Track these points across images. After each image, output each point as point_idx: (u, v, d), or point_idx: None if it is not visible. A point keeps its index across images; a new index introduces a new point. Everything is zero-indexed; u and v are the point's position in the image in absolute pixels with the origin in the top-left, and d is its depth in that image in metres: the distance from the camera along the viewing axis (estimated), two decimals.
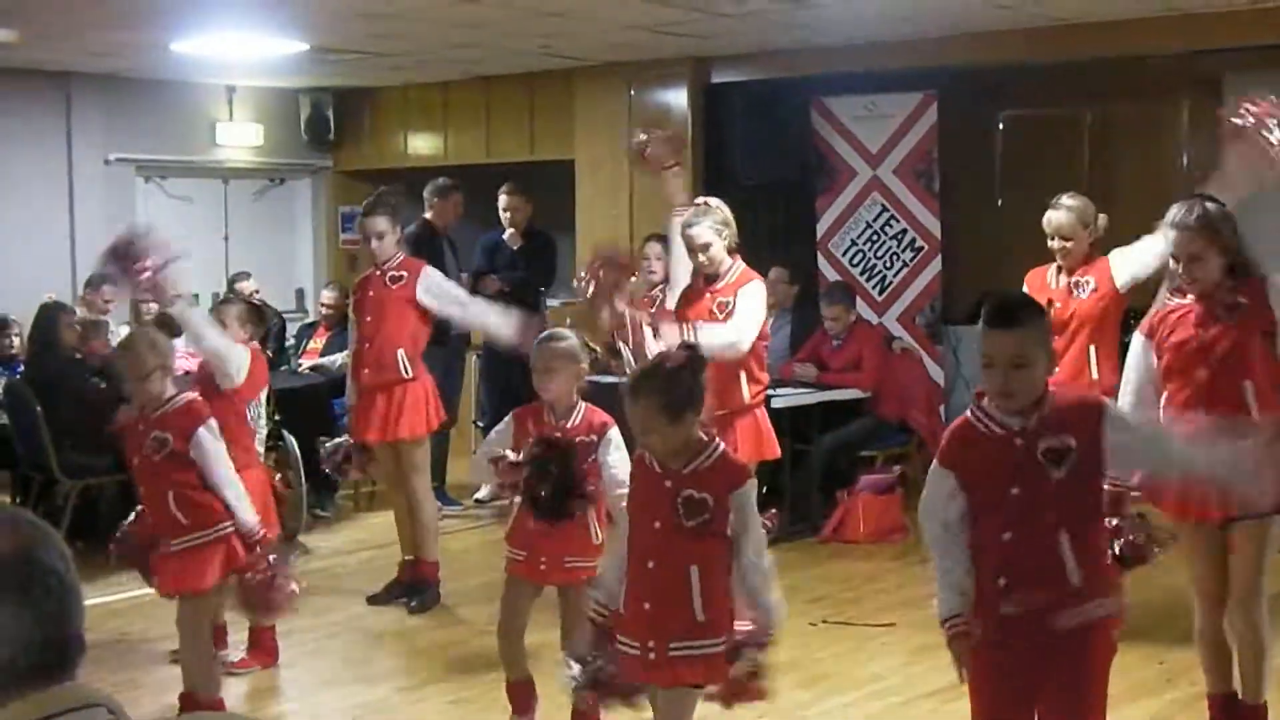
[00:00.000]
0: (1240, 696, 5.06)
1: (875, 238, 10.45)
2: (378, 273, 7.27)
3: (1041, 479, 3.60)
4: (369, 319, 7.25)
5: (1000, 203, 11.01)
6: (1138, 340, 5.06)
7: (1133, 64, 9.79)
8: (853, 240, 10.51)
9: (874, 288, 10.40)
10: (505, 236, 9.69)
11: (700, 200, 6.56)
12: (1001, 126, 10.98)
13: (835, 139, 10.51)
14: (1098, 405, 3.80)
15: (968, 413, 3.77)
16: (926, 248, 10.32)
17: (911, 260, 10.35)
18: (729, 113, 10.49)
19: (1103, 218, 6.40)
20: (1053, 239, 6.22)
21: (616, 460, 4.99)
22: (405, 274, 7.23)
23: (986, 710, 3.76)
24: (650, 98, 10.66)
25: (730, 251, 6.35)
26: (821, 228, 10.58)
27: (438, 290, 7.28)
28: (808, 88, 10.45)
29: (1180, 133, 10.58)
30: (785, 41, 9.60)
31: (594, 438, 5.04)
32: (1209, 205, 4.93)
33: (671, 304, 6.51)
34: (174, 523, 5.31)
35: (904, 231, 10.35)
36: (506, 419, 5.33)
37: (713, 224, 6.26)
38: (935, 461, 3.85)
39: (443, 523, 8.19)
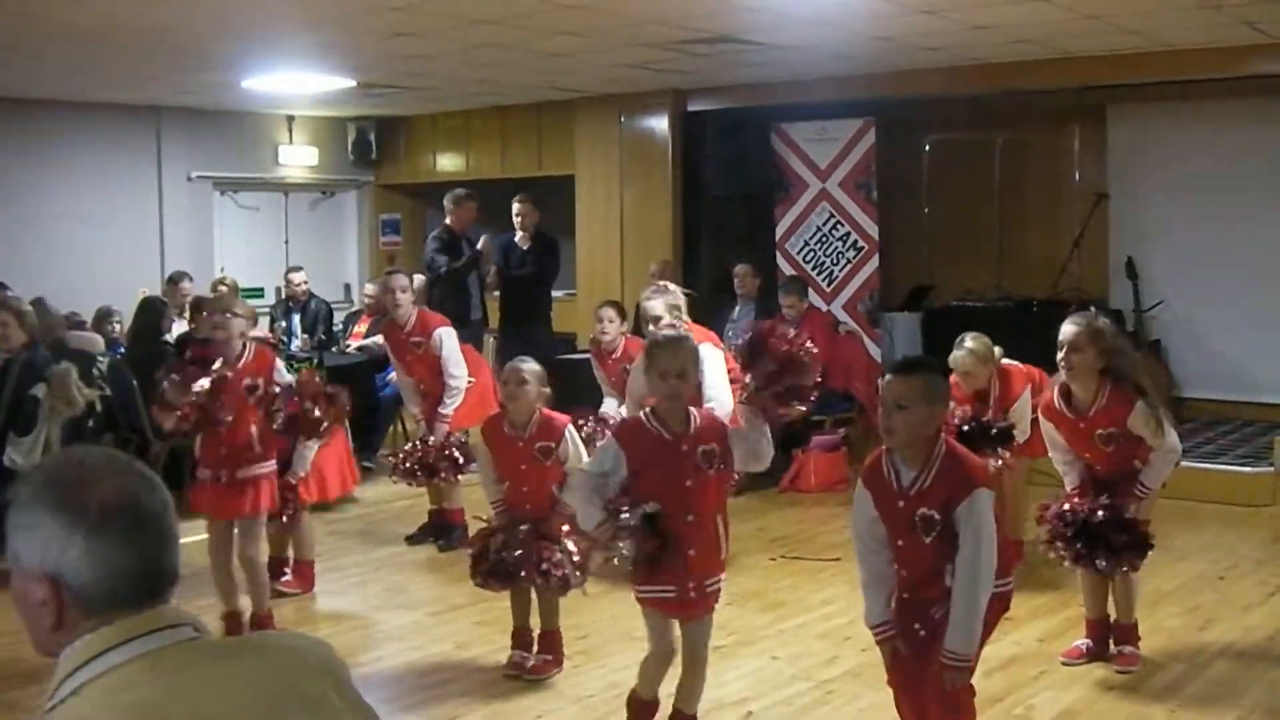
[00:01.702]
0: (1114, 618, 5.13)
1: (824, 239, 10.44)
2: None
3: (919, 540, 3.44)
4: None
5: (927, 211, 11.05)
6: None
7: (1035, 97, 9.81)
8: (805, 241, 10.50)
9: (823, 281, 10.39)
10: (517, 238, 9.67)
11: (662, 281, 6.48)
12: (928, 148, 10.98)
13: (791, 157, 10.49)
14: (969, 487, 3.37)
15: (882, 455, 3.53)
16: (866, 247, 10.31)
17: (854, 258, 10.34)
18: (703, 136, 10.50)
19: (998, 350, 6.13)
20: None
21: (573, 452, 4.94)
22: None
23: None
24: (637, 123, 10.65)
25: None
26: (779, 231, 10.57)
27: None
28: (768, 114, 10.43)
29: (1073, 153, 10.63)
30: (750, 76, 9.59)
31: (552, 443, 4.93)
32: None
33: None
34: None
35: (848, 234, 10.34)
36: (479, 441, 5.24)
37: (665, 303, 6.02)
38: (859, 480, 3.62)
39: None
